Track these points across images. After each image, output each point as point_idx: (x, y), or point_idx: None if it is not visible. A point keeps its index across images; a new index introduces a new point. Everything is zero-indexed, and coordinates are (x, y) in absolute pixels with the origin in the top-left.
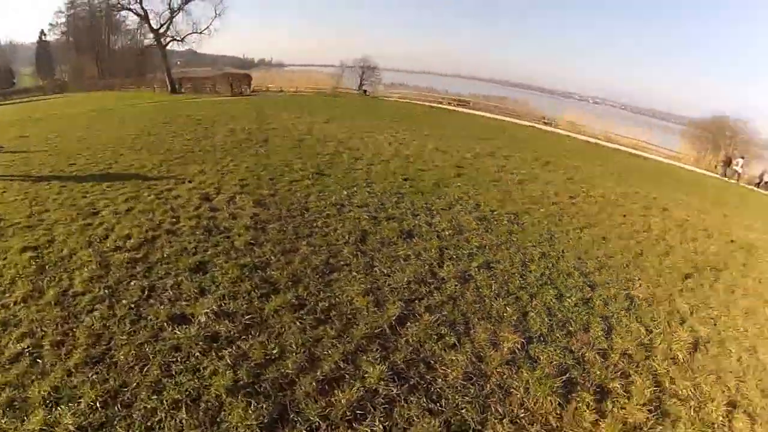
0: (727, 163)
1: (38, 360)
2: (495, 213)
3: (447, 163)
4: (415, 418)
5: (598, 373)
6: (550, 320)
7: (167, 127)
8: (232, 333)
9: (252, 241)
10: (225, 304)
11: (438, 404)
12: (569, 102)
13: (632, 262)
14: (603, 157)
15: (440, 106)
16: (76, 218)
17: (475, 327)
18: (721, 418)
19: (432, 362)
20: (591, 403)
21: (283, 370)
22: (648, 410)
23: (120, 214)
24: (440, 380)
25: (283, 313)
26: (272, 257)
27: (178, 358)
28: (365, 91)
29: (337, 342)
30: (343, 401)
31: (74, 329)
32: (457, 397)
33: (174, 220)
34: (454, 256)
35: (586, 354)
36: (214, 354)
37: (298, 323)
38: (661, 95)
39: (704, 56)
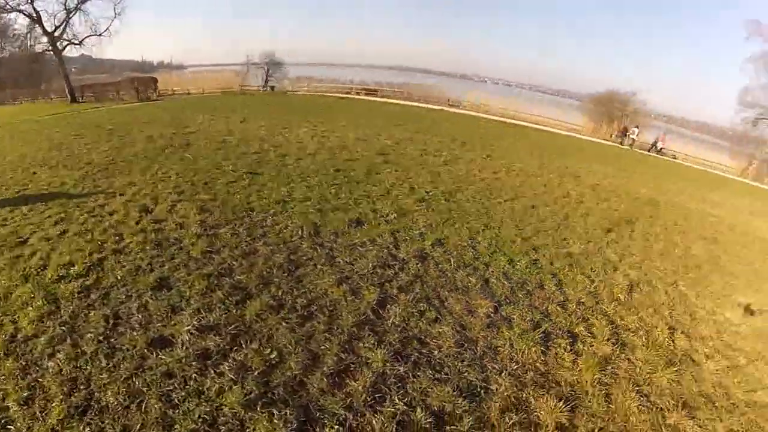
0: (624, 132)
1: (9, 426)
2: (430, 194)
3: (371, 152)
4: (428, 390)
5: (564, 321)
6: (509, 284)
7: (79, 140)
8: (222, 346)
9: (208, 249)
10: (203, 317)
11: (442, 373)
12: (469, 84)
13: (562, 224)
14: (513, 134)
15: (348, 96)
16: (1, 251)
17: (448, 299)
18: (666, 341)
19: (423, 338)
20: (567, 347)
21: (289, 373)
22: (612, 344)
23: (52, 239)
24: (437, 352)
25: (266, 316)
26: (234, 262)
27: (176, 385)
28: (272, 87)
29: (330, 335)
30: (359, 389)
31: (40, 379)
32: (456, 363)
33: (118, 237)
34: (407, 238)
35: (549, 307)
36: (212, 371)
37: (284, 324)
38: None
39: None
